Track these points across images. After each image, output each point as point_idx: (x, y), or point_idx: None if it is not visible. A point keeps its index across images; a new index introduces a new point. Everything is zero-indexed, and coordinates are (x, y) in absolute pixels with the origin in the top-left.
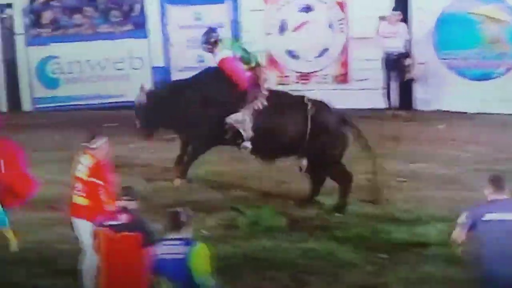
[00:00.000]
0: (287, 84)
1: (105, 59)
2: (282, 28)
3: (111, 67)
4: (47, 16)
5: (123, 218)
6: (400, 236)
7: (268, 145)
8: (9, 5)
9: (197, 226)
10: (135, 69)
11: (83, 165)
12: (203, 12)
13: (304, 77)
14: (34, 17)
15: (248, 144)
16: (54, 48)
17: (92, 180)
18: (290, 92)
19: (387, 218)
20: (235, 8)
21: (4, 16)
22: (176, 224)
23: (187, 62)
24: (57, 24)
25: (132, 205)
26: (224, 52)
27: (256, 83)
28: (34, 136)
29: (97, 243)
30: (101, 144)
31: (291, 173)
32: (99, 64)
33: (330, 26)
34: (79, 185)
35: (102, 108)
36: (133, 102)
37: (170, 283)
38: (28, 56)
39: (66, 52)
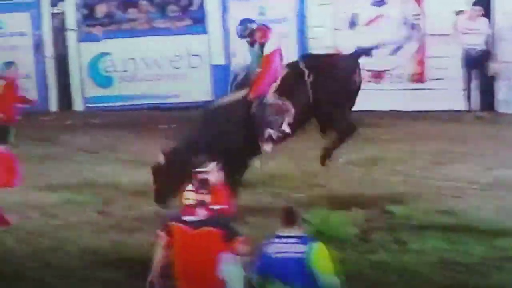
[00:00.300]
0: None
1: (161, 56)
2: (353, 23)
3: (167, 65)
4: (100, 10)
5: (201, 213)
6: (479, 248)
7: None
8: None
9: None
10: (193, 67)
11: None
12: (267, 5)
13: (377, 76)
14: (87, 12)
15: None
16: (107, 45)
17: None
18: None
19: (465, 229)
20: (302, 1)
21: (57, 11)
22: (289, 220)
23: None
24: (111, 19)
25: (208, 198)
26: (276, 43)
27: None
28: (85, 137)
29: (170, 240)
30: (212, 167)
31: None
32: (154, 62)
33: (405, 21)
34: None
35: (157, 109)
36: (190, 102)
37: (283, 284)
38: (80, 53)
39: (120, 49)
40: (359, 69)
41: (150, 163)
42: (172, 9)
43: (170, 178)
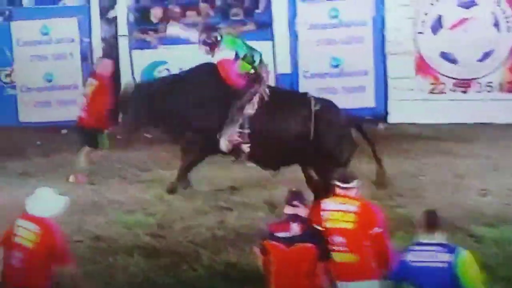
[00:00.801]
0: (442, 93)
1: None
2: (437, 26)
3: None
4: (155, 14)
5: (295, 229)
6: None
7: (269, 150)
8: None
9: None
10: None
11: (341, 212)
12: (341, 8)
13: (463, 84)
14: (140, 16)
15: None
16: (163, 52)
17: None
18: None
19: None
20: (380, 3)
21: (110, 16)
22: (431, 225)
23: (319, 67)
24: (167, 24)
25: (302, 211)
26: (224, 52)
27: (257, 82)
28: (135, 152)
29: (266, 259)
30: (355, 184)
31: None
32: None
33: (496, 24)
34: (338, 238)
35: None
36: None
37: None
38: (132, 62)
39: (176, 57)
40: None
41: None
42: (234, 12)
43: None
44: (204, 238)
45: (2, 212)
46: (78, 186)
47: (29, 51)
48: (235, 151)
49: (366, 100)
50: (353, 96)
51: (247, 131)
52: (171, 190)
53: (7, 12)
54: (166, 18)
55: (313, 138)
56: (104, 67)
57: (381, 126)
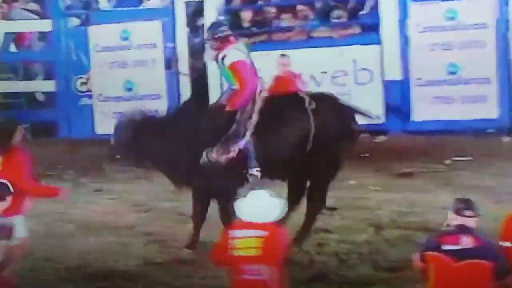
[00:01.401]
0: None
1: (321, 72)
2: None
3: (327, 82)
4: (247, 17)
5: (466, 242)
6: None
7: (270, 161)
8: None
9: None
10: (361, 84)
11: None
12: (459, 9)
13: None
14: (231, 20)
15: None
16: (255, 58)
17: None
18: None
19: None
20: (504, 3)
21: (199, 23)
22: None
23: (434, 74)
24: (260, 28)
25: (474, 222)
26: (237, 54)
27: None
28: None
29: (425, 267)
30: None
31: None
32: (312, 78)
33: None
34: None
35: None
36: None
37: None
38: None
39: (270, 63)
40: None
41: None
42: (337, 14)
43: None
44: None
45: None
46: None
47: (107, 57)
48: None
49: (488, 110)
50: (472, 107)
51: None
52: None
53: (84, 16)
54: (259, 22)
55: (314, 138)
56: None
57: (506, 139)
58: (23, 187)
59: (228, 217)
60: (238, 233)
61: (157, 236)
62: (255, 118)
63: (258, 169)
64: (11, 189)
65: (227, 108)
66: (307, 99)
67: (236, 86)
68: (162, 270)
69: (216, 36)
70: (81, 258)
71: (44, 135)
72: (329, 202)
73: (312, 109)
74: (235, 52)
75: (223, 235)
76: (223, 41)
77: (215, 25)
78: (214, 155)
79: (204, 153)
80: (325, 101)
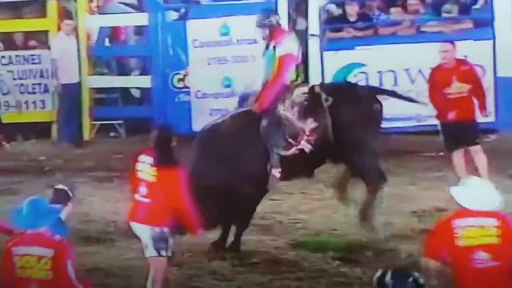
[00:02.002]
0: None
1: (429, 68)
2: None
3: None
4: (352, 10)
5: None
6: None
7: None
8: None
9: None
10: None
11: None
12: None
13: None
14: (334, 13)
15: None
16: (360, 54)
17: None
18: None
19: None
20: None
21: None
22: None
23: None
24: (366, 22)
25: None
26: (292, 46)
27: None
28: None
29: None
30: None
31: None
32: (420, 74)
33: None
34: None
35: (420, 133)
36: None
37: None
38: (324, 64)
39: (376, 59)
40: (379, 104)
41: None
42: (448, 8)
43: None
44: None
45: None
46: None
47: (206, 53)
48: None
49: None
50: None
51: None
52: None
53: (182, 10)
54: (365, 15)
55: (336, 133)
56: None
57: None
58: (178, 205)
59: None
60: (464, 221)
61: None
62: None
63: (279, 170)
64: (70, 195)
65: (257, 110)
66: (323, 96)
67: (271, 77)
68: None
69: (266, 23)
70: None
71: (139, 132)
72: (436, 203)
73: (328, 106)
74: (290, 44)
75: (443, 224)
76: (274, 30)
77: (266, 13)
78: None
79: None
80: (341, 93)
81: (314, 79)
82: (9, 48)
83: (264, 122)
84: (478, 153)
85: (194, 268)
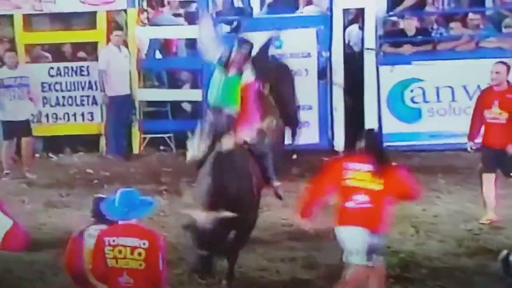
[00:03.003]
0: None
1: (487, 83)
2: None
3: None
4: (410, 25)
5: None
6: None
7: None
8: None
9: None
10: None
11: None
12: None
13: None
14: (392, 27)
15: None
16: (418, 69)
17: None
18: None
19: None
20: None
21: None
22: None
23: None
24: (425, 36)
25: None
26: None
27: None
28: None
29: None
30: None
31: None
32: (479, 89)
33: None
34: None
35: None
36: None
37: None
38: (379, 79)
39: (433, 74)
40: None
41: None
42: (508, 22)
43: None
44: (457, 283)
45: None
46: None
47: None
48: None
49: None
50: None
51: None
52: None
53: (235, 23)
54: (424, 30)
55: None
56: None
57: None
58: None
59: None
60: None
61: None
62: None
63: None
64: None
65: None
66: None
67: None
68: None
69: (241, 52)
70: None
71: None
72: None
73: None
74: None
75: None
76: (245, 58)
77: (242, 40)
78: None
79: None
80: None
81: (369, 95)
82: (57, 59)
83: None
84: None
85: None
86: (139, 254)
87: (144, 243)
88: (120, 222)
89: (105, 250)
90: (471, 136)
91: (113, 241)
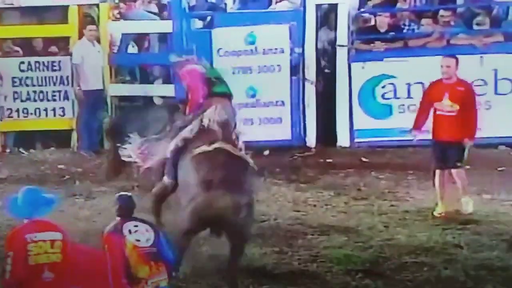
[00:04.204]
0: None
1: None
2: None
3: None
4: (382, 22)
5: None
6: None
7: None
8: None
9: None
10: (502, 94)
11: None
12: None
13: None
14: (363, 24)
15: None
16: (389, 65)
17: None
18: None
19: None
20: None
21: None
22: None
23: None
24: (397, 33)
25: None
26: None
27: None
28: (351, 179)
29: None
30: None
31: None
32: None
33: None
34: None
35: None
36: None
37: None
38: (351, 76)
39: (404, 71)
40: None
41: None
42: (479, 21)
43: None
44: (425, 278)
45: None
46: None
47: (231, 62)
48: None
49: None
50: None
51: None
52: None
53: (208, 18)
54: (396, 27)
55: None
56: None
57: None
58: None
59: None
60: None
61: None
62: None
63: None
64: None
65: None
66: None
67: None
68: None
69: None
70: None
71: None
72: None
73: None
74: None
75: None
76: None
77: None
78: None
79: None
80: None
81: (341, 91)
82: (28, 54)
83: None
84: (459, 175)
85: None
86: (58, 246)
87: (59, 235)
88: (33, 219)
89: (28, 247)
90: (416, 126)
91: (35, 237)
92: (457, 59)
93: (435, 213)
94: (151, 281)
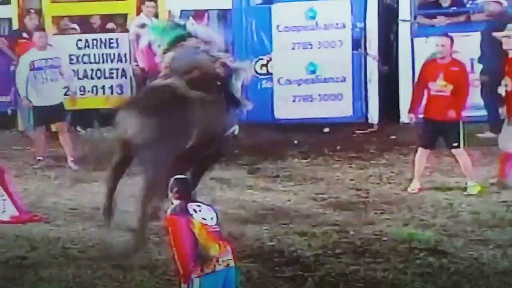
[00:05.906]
0: None
1: None
2: None
3: None
4: None
5: None
6: None
7: None
8: None
9: None
10: None
11: None
12: None
13: None
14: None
15: None
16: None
17: None
18: None
19: None
20: None
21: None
22: None
23: None
24: (459, 7)
25: None
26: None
27: None
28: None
29: None
30: None
31: None
32: None
33: None
34: None
35: None
36: None
37: None
38: (414, 51)
39: (467, 46)
40: None
41: None
42: None
43: None
44: (491, 255)
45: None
46: None
47: (291, 38)
48: None
49: None
50: None
51: None
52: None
53: None
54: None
55: None
56: None
57: None
58: None
59: None
60: None
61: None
62: None
63: None
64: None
65: None
66: None
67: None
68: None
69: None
70: None
71: None
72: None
73: None
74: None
75: None
76: None
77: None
78: None
79: None
80: None
81: (404, 67)
82: (85, 31)
83: None
84: (460, 157)
85: None
86: None
87: None
88: None
89: None
90: (413, 108)
91: None
92: (452, 39)
93: (409, 190)
94: (221, 260)
